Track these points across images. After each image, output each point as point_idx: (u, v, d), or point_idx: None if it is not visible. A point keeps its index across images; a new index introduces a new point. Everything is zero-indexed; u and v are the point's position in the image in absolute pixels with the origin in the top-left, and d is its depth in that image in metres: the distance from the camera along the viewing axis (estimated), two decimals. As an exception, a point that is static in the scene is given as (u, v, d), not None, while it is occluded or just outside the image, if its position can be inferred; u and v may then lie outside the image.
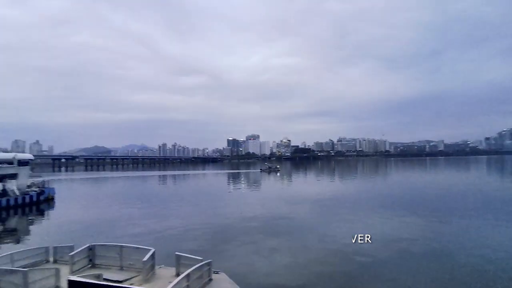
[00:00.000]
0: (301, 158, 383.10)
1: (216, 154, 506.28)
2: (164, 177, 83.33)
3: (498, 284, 10.32)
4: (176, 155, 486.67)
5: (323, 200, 30.87)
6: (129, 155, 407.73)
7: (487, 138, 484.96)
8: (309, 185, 51.21)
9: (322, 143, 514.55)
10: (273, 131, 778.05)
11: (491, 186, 41.71)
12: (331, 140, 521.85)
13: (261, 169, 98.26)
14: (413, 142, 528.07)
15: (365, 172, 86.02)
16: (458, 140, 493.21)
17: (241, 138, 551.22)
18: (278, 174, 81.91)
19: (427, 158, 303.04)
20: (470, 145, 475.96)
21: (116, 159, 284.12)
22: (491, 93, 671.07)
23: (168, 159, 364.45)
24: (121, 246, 9.48)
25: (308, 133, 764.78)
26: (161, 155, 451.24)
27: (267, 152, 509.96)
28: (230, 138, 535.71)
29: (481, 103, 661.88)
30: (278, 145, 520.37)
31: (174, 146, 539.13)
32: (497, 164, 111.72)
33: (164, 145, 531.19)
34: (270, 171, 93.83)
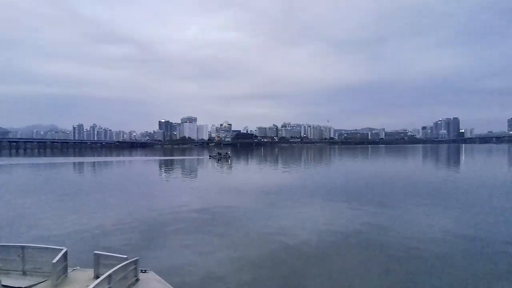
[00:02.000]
0: (243, 144, 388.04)
1: (146, 138, 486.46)
2: (81, 164, 77.46)
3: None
4: (96, 138, 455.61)
5: (267, 190, 31.52)
6: (34, 137, 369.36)
7: (423, 128, 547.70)
8: (252, 173, 52.01)
9: (265, 128, 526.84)
10: (212, 113, 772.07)
11: (427, 175, 46.85)
12: (275, 126, 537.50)
13: (210, 156, 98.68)
14: (356, 130, 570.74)
15: (310, 160, 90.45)
16: (397, 129, 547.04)
17: (176, 120, 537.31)
18: (229, 161, 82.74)
19: (369, 146, 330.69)
20: (408, 133, 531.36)
21: (17, 142, 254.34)
22: (428, 83, 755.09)
23: (86, 143, 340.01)
24: (23, 247, 8.34)
25: (250, 117, 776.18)
26: (77, 138, 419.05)
27: (205, 137, 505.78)
28: (163, 120, 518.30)
29: (419, 93, 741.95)
30: (217, 130, 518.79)
31: (93, 127, 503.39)
32: (432, 153, 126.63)
33: (81, 126, 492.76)
34: (220, 158, 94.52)
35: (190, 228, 17.38)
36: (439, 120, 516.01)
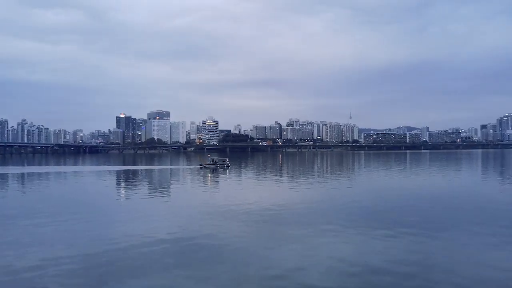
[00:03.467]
0: (234, 149, 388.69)
1: (98, 141, 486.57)
2: (3, 176, 76.83)
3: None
4: (26, 140, 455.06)
5: (273, 216, 31.30)
6: None
7: (483, 126, 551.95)
8: (249, 190, 51.70)
9: (265, 127, 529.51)
10: (192, 107, 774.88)
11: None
12: (279, 124, 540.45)
13: (201, 165, 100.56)
14: (390, 130, 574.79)
15: (325, 172, 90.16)
16: (446, 128, 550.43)
17: (140, 115, 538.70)
18: (228, 172, 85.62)
19: (408, 151, 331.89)
20: (462, 134, 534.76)
21: None
22: (491, 64, 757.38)
23: (12, 146, 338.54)
24: None
25: (244, 113, 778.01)
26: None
27: (182, 139, 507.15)
28: (122, 116, 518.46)
29: (478, 78, 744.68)
30: (199, 129, 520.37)
31: (22, 125, 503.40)
32: (498, 162, 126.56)
33: (4, 123, 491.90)
34: (215, 167, 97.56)
35: (154, 268, 17.02)
36: (506, 116, 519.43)
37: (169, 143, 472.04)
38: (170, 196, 46.56)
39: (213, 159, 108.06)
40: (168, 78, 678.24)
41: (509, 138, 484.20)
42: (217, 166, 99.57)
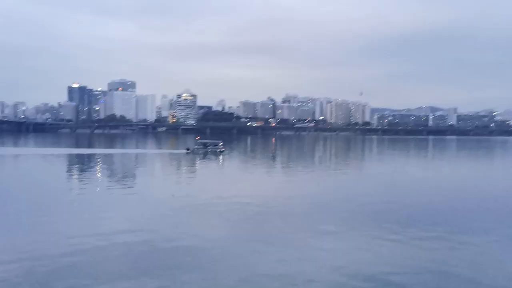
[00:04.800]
0: (215, 130, 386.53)
1: (45, 117, 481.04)
2: None
3: None
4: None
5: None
6: None
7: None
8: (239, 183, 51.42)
9: (255, 104, 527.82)
10: (164, 76, 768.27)
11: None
12: (272, 100, 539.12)
13: (188, 149, 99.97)
14: (409, 110, 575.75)
15: (327, 162, 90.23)
16: (478, 109, 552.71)
17: (99, 86, 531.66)
18: (222, 157, 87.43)
19: (430, 137, 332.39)
20: (497, 118, 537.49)
21: None
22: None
23: None
24: None
25: (229, 86, 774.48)
26: None
27: (151, 116, 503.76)
28: (76, 86, 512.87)
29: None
30: (172, 104, 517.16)
31: None
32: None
33: None
34: (205, 151, 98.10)
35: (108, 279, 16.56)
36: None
37: (134, 121, 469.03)
38: (136, 190, 45.76)
39: (203, 142, 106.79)
40: (133, 39, 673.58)
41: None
42: (207, 150, 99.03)
